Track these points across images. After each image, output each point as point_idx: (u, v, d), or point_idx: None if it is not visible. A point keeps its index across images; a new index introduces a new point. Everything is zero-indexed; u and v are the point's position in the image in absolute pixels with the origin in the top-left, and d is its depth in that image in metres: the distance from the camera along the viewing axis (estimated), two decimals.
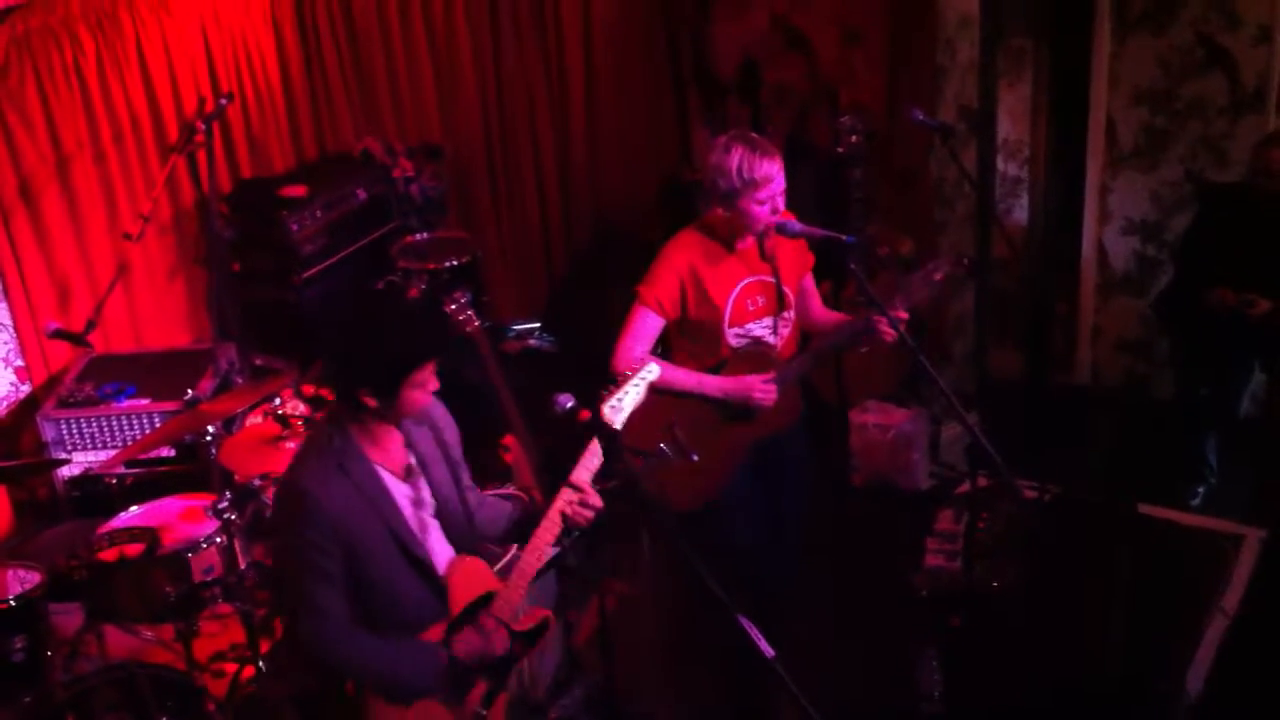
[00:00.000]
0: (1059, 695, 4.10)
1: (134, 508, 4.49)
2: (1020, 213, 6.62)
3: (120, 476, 5.07)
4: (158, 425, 4.94)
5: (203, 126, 4.90)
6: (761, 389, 3.96)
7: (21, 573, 4.01)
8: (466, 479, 3.39)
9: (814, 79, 6.55)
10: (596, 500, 3.18)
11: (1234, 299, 5.05)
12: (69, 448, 5.07)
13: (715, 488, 4.09)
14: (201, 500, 4.45)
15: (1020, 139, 6.52)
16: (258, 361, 5.36)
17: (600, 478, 3.24)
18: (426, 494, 3.22)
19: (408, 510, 3.16)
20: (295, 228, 5.66)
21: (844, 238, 3.80)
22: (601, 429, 3.14)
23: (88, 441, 5.07)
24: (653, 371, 3.28)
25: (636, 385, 3.23)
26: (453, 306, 4.65)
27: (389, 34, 6.31)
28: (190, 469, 4.97)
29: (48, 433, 5.06)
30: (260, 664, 4.22)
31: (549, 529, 3.17)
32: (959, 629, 4.53)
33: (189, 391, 4.56)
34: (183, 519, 4.40)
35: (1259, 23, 5.65)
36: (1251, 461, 5.59)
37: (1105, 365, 6.55)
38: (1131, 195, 6.20)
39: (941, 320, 6.34)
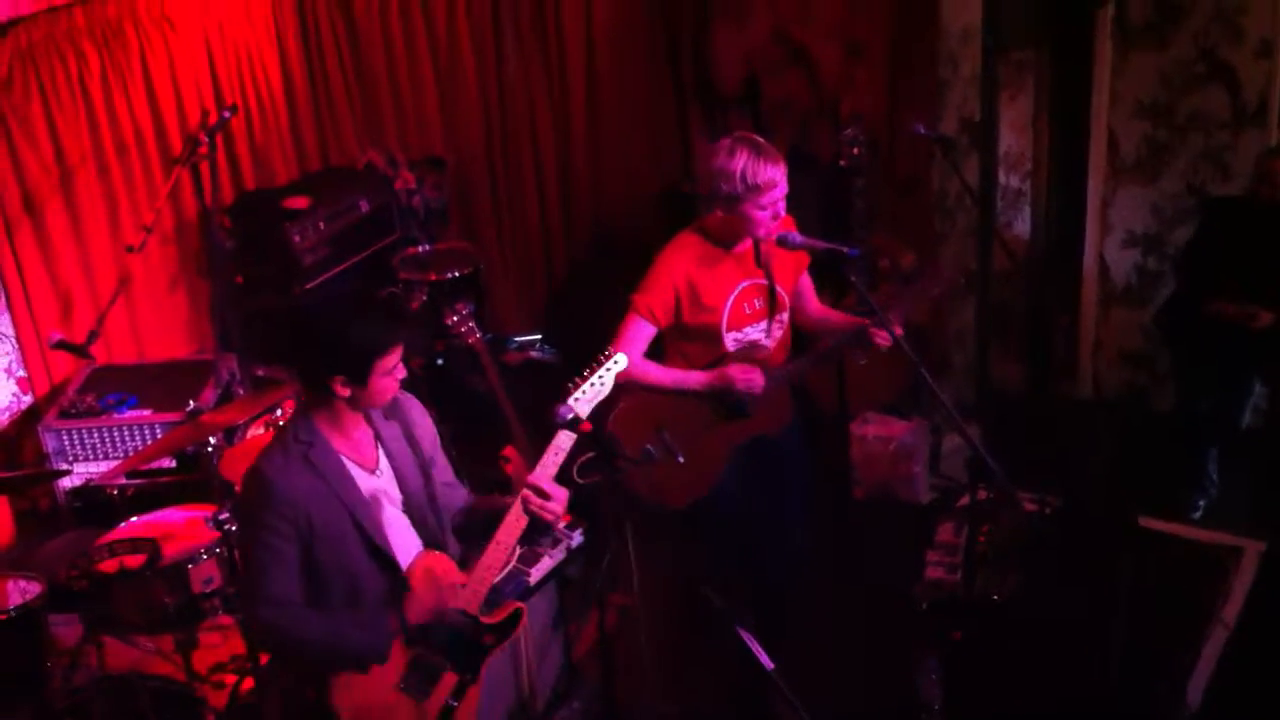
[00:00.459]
0: (1060, 707, 4.10)
1: (135, 518, 4.50)
2: (1021, 225, 6.62)
3: (121, 487, 5.08)
4: (159, 436, 4.95)
5: (206, 138, 4.92)
6: (742, 377, 3.96)
7: (22, 583, 4.02)
8: (446, 476, 3.41)
9: (815, 92, 6.55)
10: (560, 494, 3.18)
11: (1236, 311, 5.05)
12: (70, 458, 5.08)
13: (705, 486, 4.09)
14: (202, 511, 4.45)
15: (1022, 151, 6.52)
16: (259, 373, 5.35)
17: (583, 472, 3.24)
18: (393, 488, 3.24)
19: (374, 503, 3.18)
20: (297, 239, 5.66)
21: (846, 250, 3.79)
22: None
23: (89, 452, 5.08)
24: (619, 363, 3.25)
25: (601, 377, 3.22)
26: (454, 318, 4.66)
27: (392, 46, 6.33)
28: (191, 480, 4.97)
29: (49, 443, 5.06)
30: (259, 675, 4.22)
31: (514, 525, 3.18)
32: (959, 641, 4.52)
33: (190, 402, 4.56)
34: (183, 530, 4.40)
35: (1261, 36, 5.65)
36: (1252, 474, 5.58)
37: (1106, 377, 6.54)
38: (1133, 208, 6.20)
39: (942, 332, 6.34)
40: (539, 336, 5.98)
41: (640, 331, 3.93)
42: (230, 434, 4.83)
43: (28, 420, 5.31)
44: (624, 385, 3.86)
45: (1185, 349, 5.56)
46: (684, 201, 6.71)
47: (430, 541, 3.29)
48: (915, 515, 5.66)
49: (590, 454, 3.40)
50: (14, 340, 5.30)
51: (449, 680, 3.21)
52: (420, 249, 6.11)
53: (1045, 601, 4.48)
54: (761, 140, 3.84)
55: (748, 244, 3.97)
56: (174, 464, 5.07)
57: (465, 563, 3.29)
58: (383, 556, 3.16)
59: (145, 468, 4.97)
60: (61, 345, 4.82)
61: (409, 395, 3.36)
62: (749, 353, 4.02)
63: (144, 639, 4.34)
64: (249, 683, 4.25)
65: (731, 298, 3.96)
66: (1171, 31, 5.85)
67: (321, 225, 5.80)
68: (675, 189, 7.00)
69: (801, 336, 4.29)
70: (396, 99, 6.43)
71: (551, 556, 4.27)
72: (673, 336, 4.04)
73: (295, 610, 3.08)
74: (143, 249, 4.95)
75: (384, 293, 5.88)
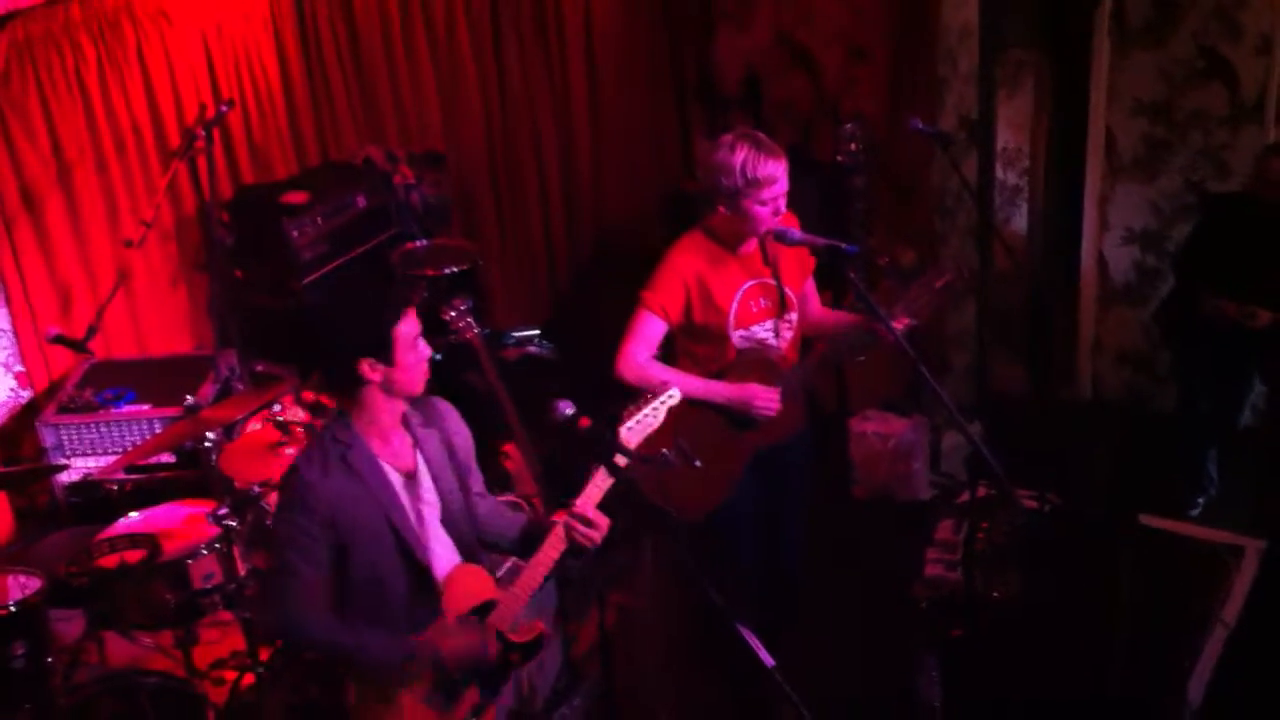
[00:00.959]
0: (1059, 705, 4.10)
1: (134, 514, 4.50)
2: (1019, 222, 6.62)
3: (120, 483, 5.07)
4: (158, 431, 4.94)
5: (204, 133, 4.90)
6: (763, 400, 3.95)
7: (22, 579, 4.00)
8: (478, 486, 3.39)
9: (817, 94, 6.55)
10: (603, 522, 3.18)
11: (1235, 310, 5.05)
12: (69, 453, 5.07)
13: (719, 498, 4.08)
14: (202, 507, 4.44)
15: (1020, 148, 6.52)
16: (258, 368, 5.35)
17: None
18: (432, 496, 3.22)
19: (410, 510, 3.16)
20: (296, 234, 5.65)
21: (845, 246, 3.79)
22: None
23: (88, 447, 5.07)
24: (674, 396, 3.26)
25: (655, 409, 3.23)
26: (452, 314, 4.65)
27: (391, 41, 6.32)
28: (190, 475, 4.96)
29: (48, 438, 5.06)
30: (260, 672, 4.22)
31: (554, 546, 3.17)
32: (959, 639, 4.53)
33: (189, 398, 4.55)
34: (183, 525, 4.40)
35: (1260, 33, 5.66)
36: (1252, 472, 5.58)
37: (1105, 375, 6.55)
38: (1131, 205, 6.20)
39: (942, 331, 6.34)
40: (537, 332, 5.97)
41: (651, 328, 3.92)
42: (229, 429, 4.82)
43: (26, 415, 5.31)
44: (636, 387, 3.86)
45: (1184, 347, 5.57)
46: (685, 201, 6.71)
47: (465, 551, 3.27)
48: (915, 513, 5.67)
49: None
50: (12, 335, 5.29)
51: (471, 697, 3.20)
52: (418, 244, 6.10)
53: (1045, 599, 4.49)
54: (763, 136, 3.84)
55: (753, 243, 3.97)
56: (173, 459, 5.06)
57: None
58: (414, 561, 3.14)
59: (144, 463, 4.96)
60: (60, 340, 4.81)
61: (447, 403, 3.35)
62: (761, 354, 4.01)
63: (144, 635, 4.33)
64: (249, 679, 4.25)
65: (738, 296, 3.95)
66: (1170, 29, 5.85)
67: (320, 221, 5.79)
68: (676, 188, 7.00)
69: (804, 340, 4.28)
70: (395, 94, 6.41)
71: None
72: (681, 337, 4.03)
73: (319, 617, 3.07)
74: (141, 244, 4.95)
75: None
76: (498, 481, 5.06)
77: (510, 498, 4.90)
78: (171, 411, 4.97)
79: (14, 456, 5.24)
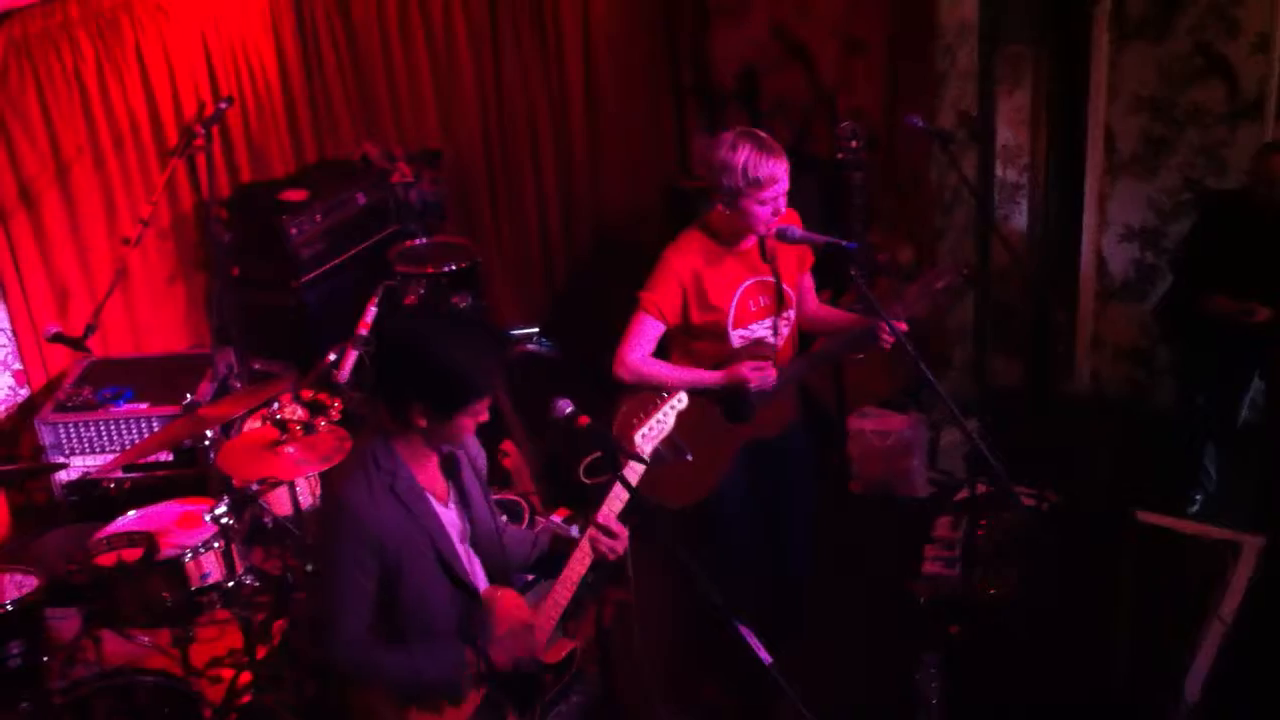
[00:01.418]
0: (1058, 702, 4.10)
1: (132, 512, 4.48)
2: (1019, 219, 6.62)
3: (118, 481, 5.06)
4: (156, 430, 4.93)
5: (202, 130, 4.89)
6: (754, 369, 3.94)
7: (19, 577, 4.00)
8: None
9: (814, 88, 6.55)
10: (624, 532, 3.17)
11: (1233, 307, 5.05)
12: (67, 452, 5.06)
13: (708, 486, 4.08)
14: (200, 505, 4.43)
15: (1019, 145, 6.52)
16: (256, 366, 5.35)
17: (589, 473, 3.25)
18: (462, 520, 3.19)
19: (453, 535, 3.13)
20: (294, 232, 5.65)
21: (845, 243, 3.79)
22: (619, 452, 3.14)
23: (86, 446, 5.06)
24: (682, 400, 3.26)
25: (665, 414, 3.24)
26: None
27: (388, 39, 6.31)
28: (188, 474, 4.95)
29: (45, 437, 5.05)
30: (258, 670, 4.21)
31: (580, 562, 3.17)
32: (958, 636, 4.53)
33: (187, 396, 4.54)
34: (181, 524, 4.39)
35: (1258, 30, 5.66)
36: (1251, 469, 5.58)
37: (1104, 372, 6.55)
38: (1130, 202, 6.20)
39: (941, 328, 6.34)
40: (536, 330, 5.97)
41: (649, 330, 3.93)
42: (227, 428, 4.82)
43: (24, 413, 5.30)
44: (633, 385, 3.86)
45: (1183, 344, 5.57)
46: (682, 197, 6.72)
47: (493, 573, 3.25)
48: (913, 510, 5.67)
49: (598, 454, 3.39)
50: (10, 333, 5.28)
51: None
52: (417, 242, 6.09)
53: (1043, 596, 4.49)
54: (764, 135, 3.83)
55: (752, 241, 3.97)
56: (171, 458, 5.05)
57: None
58: (465, 587, 3.10)
59: (142, 461, 4.95)
60: (58, 338, 4.81)
61: None
62: (757, 351, 4.01)
63: (141, 633, 4.33)
64: (246, 677, 4.24)
65: (737, 295, 3.95)
66: (1168, 25, 5.85)
67: (318, 218, 5.79)
68: (673, 184, 7.00)
69: (804, 334, 4.28)
70: (393, 91, 6.41)
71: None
72: (679, 335, 4.03)
73: (371, 646, 3.03)
74: (139, 242, 4.94)
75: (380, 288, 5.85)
76: (496, 479, 5.05)
77: (509, 496, 4.90)
78: (170, 410, 4.96)
79: (12, 454, 5.23)
